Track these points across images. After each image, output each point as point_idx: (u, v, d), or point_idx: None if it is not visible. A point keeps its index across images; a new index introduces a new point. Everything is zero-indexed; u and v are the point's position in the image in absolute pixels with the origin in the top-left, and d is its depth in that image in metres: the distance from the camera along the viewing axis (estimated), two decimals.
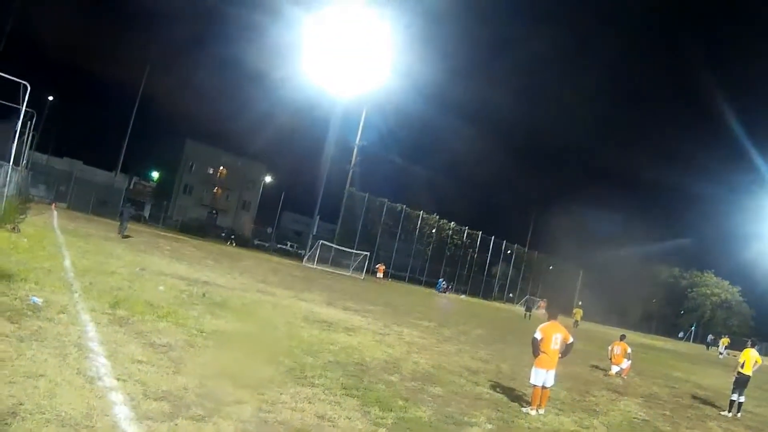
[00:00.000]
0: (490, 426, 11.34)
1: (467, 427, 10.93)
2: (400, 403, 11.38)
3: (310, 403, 9.88)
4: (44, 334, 9.71)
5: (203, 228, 79.90)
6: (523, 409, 13.04)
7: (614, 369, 24.13)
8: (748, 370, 19.67)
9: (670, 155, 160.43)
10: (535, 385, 13.24)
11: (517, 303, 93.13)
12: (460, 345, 22.94)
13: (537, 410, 12.99)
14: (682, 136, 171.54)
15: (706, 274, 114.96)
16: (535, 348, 13.48)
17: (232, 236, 72.42)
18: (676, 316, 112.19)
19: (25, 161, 41.06)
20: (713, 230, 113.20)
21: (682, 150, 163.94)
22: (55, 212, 45.44)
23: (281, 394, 9.99)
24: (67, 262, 18.67)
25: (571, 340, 13.86)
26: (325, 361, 13.63)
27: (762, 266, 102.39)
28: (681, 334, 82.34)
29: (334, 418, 9.39)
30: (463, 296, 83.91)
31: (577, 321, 61.68)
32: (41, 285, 13.51)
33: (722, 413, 19.42)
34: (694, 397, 22.26)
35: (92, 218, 49.95)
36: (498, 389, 15.31)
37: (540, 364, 13.29)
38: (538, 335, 13.51)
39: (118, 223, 41.93)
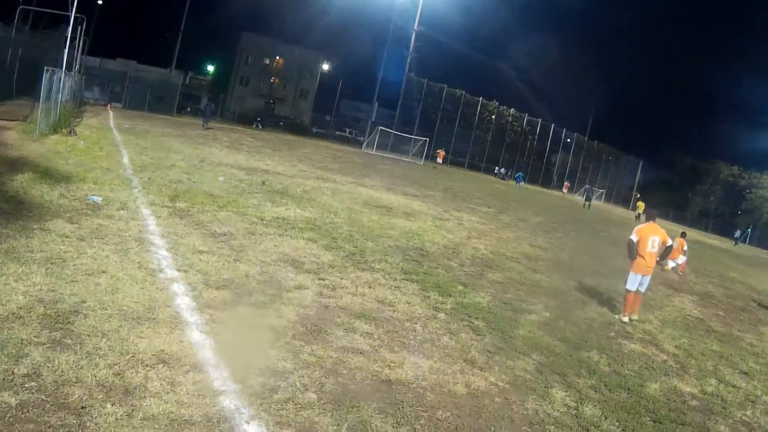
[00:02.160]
0: (547, 314, 11.35)
1: (525, 314, 10.94)
2: (459, 288, 11.48)
3: (370, 287, 9.99)
4: (104, 231, 9.82)
5: (263, 118, 79.61)
6: (616, 316, 12.70)
7: (670, 264, 23.96)
8: None
9: (737, 54, 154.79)
10: (629, 291, 12.76)
11: (576, 192, 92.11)
12: (518, 232, 22.98)
13: (630, 317, 12.62)
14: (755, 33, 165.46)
15: (765, 176, 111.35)
16: (631, 251, 12.90)
17: (259, 119, 70.98)
18: (733, 215, 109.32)
19: (77, 66, 41.27)
20: None
21: (744, 50, 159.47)
22: (111, 113, 45.71)
23: (342, 278, 10.10)
24: (125, 160, 18.80)
25: (669, 242, 13.30)
26: (385, 246, 13.68)
27: None
28: (737, 234, 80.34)
29: (394, 302, 9.47)
30: (522, 183, 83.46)
31: (639, 214, 61.15)
32: (100, 184, 13.60)
33: None
34: (749, 300, 21.96)
35: (149, 115, 50.13)
36: (556, 278, 15.31)
37: (636, 268, 12.80)
38: (634, 237, 12.90)
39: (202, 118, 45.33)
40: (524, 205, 39.46)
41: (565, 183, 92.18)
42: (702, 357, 11.63)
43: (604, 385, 8.34)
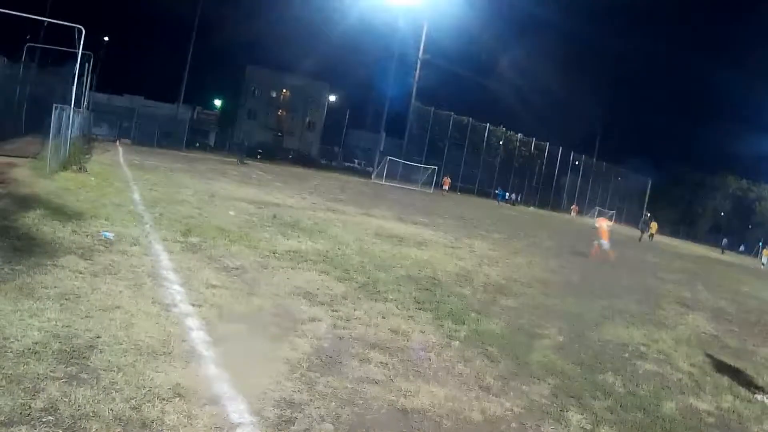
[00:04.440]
0: (561, 338, 11.31)
1: (539, 339, 10.92)
2: (473, 315, 11.45)
3: (383, 318, 9.98)
4: (118, 267, 9.85)
5: (271, 150, 79.93)
6: None
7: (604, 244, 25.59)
8: None
9: (738, 64, 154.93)
10: None
11: (586, 214, 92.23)
12: (530, 257, 22.93)
13: None
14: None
15: None
16: None
17: (242, 154, 68.23)
18: (744, 229, 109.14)
19: (86, 102, 41.66)
20: None
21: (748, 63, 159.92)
22: (121, 148, 46.11)
23: (355, 310, 10.10)
24: (136, 196, 18.90)
25: None
26: (397, 275, 13.70)
27: None
28: (724, 242, 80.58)
29: (408, 332, 9.46)
30: (531, 208, 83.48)
31: (652, 234, 61.25)
32: (111, 220, 13.66)
33: None
34: (763, 314, 21.95)
35: (158, 151, 50.57)
36: (569, 301, 15.28)
37: None
38: None
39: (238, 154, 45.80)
40: (534, 230, 39.49)
41: (574, 206, 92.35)
42: (717, 373, 11.63)
43: (620, 406, 8.35)
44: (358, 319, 9.58)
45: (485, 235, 27.26)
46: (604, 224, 28.47)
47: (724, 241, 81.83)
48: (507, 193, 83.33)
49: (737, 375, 11.99)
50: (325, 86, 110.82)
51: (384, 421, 6.14)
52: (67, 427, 4.83)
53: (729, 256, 69.50)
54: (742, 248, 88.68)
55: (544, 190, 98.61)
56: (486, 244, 23.56)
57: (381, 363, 7.75)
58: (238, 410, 5.70)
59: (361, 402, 6.46)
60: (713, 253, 68.06)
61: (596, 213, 70.34)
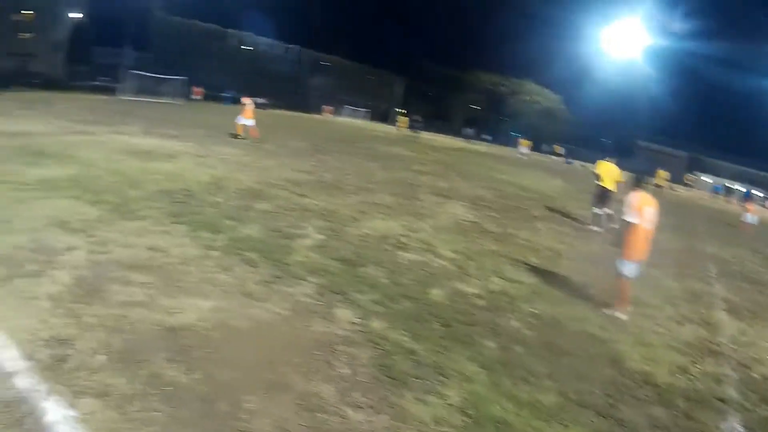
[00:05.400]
0: (320, 236, 11.80)
1: (298, 239, 11.33)
2: (229, 223, 11.67)
3: (140, 236, 9.98)
4: None
5: (10, 77, 75.31)
6: (608, 311, 10.76)
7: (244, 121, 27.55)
8: (608, 184, 20.12)
9: None
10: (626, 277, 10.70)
11: (340, 114, 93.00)
12: (282, 159, 23.32)
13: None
14: None
15: (525, 82, 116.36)
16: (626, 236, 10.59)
17: None
18: (498, 123, 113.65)
19: None
20: (532, 39, 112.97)
21: None
22: None
23: (110, 232, 9.99)
24: None
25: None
26: (150, 191, 13.57)
27: (582, 75, 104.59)
28: (471, 132, 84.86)
29: (166, 247, 9.55)
30: (282, 111, 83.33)
31: (401, 128, 63.90)
32: None
33: (590, 227, 20.26)
34: (520, 200, 23.27)
35: None
36: (324, 199, 15.79)
37: (634, 254, 10.57)
38: (633, 216, 10.42)
39: None
40: (286, 133, 39.57)
41: (326, 107, 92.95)
42: (480, 257, 12.44)
43: (387, 297, 8.86)
44: (115, 241, 9.51)
45: (236, 142, 27.16)
46: (247, 104, 29.26)
47: (470, 131, 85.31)
48: (235, 95, 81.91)
49: (501, 258, 12.83)
50: (68, 2, 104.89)
51: (154, 344, 6.29)
52: None
53: (486, 147, 72.70)
54: (488, 137, 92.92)
55: (294, 93, 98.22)
56: (237, 151, 23.50)
57: (142, 284, 7.87)
58: (11, 357, 5.68)
59: (129, 327, 6.58)
60: (470, 145, 70.90)
61: (346, 111, 71.16)
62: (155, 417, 5.14)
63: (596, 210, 20.52)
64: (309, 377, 6.22)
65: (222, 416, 5.31)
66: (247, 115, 28.45)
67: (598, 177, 20.47)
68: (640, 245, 10.58)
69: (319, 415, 5.57)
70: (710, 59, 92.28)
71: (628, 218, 10.44)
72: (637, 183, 10.96)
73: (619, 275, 10.61)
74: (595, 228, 20.01)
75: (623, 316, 10.59)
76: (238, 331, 6.91)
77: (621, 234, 10.68)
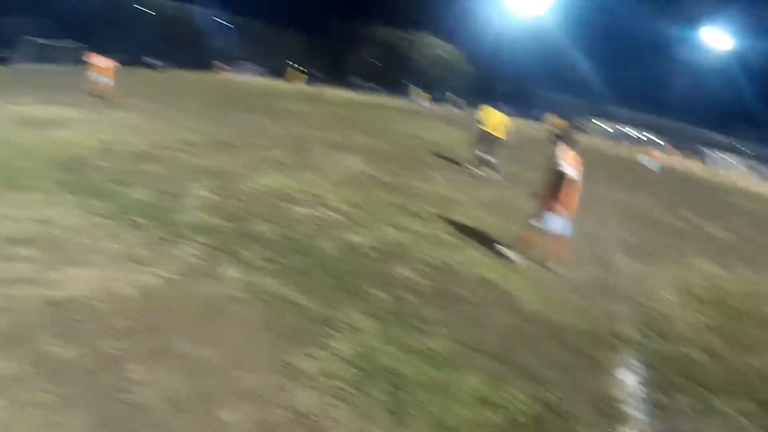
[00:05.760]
0: (210, 195, 11.66)
1: (186, 199, 11.17)
2: (119, 188, 11.33)
3: (26, 208, 9.56)
4: None
5: None
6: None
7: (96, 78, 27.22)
8: (491, 129, 20.66)
9: None
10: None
11: (238, 73, 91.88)
12: (176, 120, 22.66)
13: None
14: None
15: (424, 35, 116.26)
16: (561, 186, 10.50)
17: None
18: (397, 75, 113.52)
19: None
20: None
21: None
22: None
23: None
24: None
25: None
26: (39, 161, 13.04)
27: (480, 26, 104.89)
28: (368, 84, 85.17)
29: (54, 218, 9.20)
30: (180, 72, 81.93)
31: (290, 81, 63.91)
32: None
33: (474, 170, 20.85)
34: (415, 150, 23.40)
35: None
36: (215, 157, 15.61)
37: (567, 209, 10.57)
38: (569, 169, 10.42)
39: None
40: (183, 94, 38.72)
41: (222, 65, 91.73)
42: (373, 208, 12.53)
43: (277, 253, 8.86)
44: (2, 216, 9.11)
45: (131, 105, 26.53)
46: (96, 62, 28.94)
47: (369, 84, 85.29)
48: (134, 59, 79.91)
49: (394, 207, 12.93)
50: None
51: (41, 320, 6.11)
52: None
53: (383, 99, 72.46)
54: (382, 89, 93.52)
55: (193, 54, 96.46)
56: (130, 114, 22.87)
57: (27, 258, 7.58)
58: None
59: (17, 306, 6.33)
60: (368, 98, 70.69)
61: (242, 68, 70.25)
62: (42, 398, 5.00)
63: (479, 153, 21.16)
64: (197, 341, 6.15)
65: (108, 389, 5.20)
66: (102, 72, 27.96)
67: (481, 122, 21.12)
68: (573, 200, 10.64)
69: (207, 380, 5.53)
70: (609, 10, 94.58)
71: (564, 170, 10.41)
72: (566, 137, 11.05)
73: (548, 230, 10.70)
74: (481, 173, 20.69)
75: (562, 271, 10.77)
76: (124, 298, 6.78)
77: (551, 187, 10.64)
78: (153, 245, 8.49)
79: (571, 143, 10.81)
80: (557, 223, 10.56)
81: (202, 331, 6.40)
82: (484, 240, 11.86)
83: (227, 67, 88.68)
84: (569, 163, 10.41)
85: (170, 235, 9.00)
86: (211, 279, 7.60)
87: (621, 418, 6.44)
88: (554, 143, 10.90)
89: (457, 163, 22.62)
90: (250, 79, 63.19)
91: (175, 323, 6.44)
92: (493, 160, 20.94)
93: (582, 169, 10.77)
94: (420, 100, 73.22)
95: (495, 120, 21.09)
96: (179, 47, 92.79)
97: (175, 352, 5.93)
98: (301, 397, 5.50)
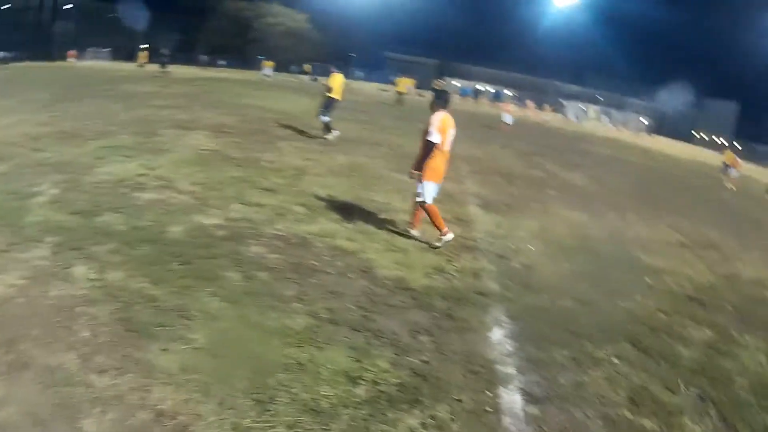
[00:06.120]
0: (55, 191, 11.15)
1: (32, 198, 10.60)
2: None
3: None
4: None
5: None
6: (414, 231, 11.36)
7: None
8: (336, 95, 21.65)
9: None
10: (428, 203, 10.91)
11: (85, 59, 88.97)
12: (20, 114, 21.67)
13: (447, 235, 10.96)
14: None
15: (271, 5, 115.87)
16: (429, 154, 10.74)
17: None
18: (245, 48, 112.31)
19: None
20: None
21: None
22: None
23: None
24: None
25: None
26: None
27: None
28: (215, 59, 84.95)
29: None
30: (24, 63, 78.72)
31: (142, 65, 62.19)
32: None
33: (323, 137, 21.40)
34: (264, 122, 23.27)
35: None
36: (61, 151, 15.00)
37: (434, 175, 10.86)
38: (436, 136, 10.61)
39: None
40: (27, 85, 37.13)
41: (71, 53, 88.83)
42: (221, 186, 12.43)
43: (126, 244, 8.65)
44: None
45: None
46: None
47: (216, 60, 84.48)
48: None
49: (243, 183, 12.84)
50: None
51: None
52: None
53: (232, 73, 71.96)
54: (226, 62, 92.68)
55: (37, 43, 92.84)
56: None
57: None
58: None
59: None
60: (216, 73, 69.78)
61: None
62: None
63: (323, 117, 21.87)
64: (50, 349, 5.87)
65: None
66: None
67: (329, 89, 21.84)
68: (441, 166, 10.85)
69: (63, 389, 5.28)
70: None
71: (432, 138, 10.57)
72: (440, 102, 11.14)
73: (419, 198, 10.89)
74: (330, 137, 21.44)
75: (447, 237, 10.84)
76: None
77: (422, 155, 10.85)
78: (1, 253, 8.10)
79: (446, 105, 11.13)
80: (428, 190, 10.78)
81: (57, 337, 6.08)
82: (338, 208, 11.96)
83: (74, 53, 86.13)
84: (439, 129, 10.59)
85: (17, 237, 8.49)
86: (60, 280, 7.26)
87: (496, 377, 6.59)
88: (431, 108, 11.13)
89: (305, 132, 22.91)
90: (97, 64, 61.34)
91: (26, 332, 6.06)
92: (329, 119, 21.90)
93: (454, 130, 11.11)
94: (266, 70, 73.48)
95: (337, 84, 21.97)
96: (24, 36, 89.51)
97: (29, 363, 5.61)
98: (161, 396, 5.37)
